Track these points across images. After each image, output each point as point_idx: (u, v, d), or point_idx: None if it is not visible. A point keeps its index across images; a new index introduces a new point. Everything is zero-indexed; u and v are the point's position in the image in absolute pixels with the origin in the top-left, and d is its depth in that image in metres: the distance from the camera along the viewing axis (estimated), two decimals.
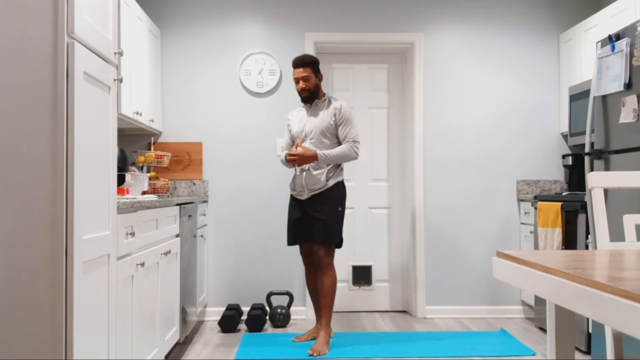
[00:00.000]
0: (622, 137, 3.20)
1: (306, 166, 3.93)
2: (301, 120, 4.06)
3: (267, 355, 3.71)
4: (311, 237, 3.98)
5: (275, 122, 4.81)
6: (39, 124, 1.92)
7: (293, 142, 4.11)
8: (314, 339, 4.02)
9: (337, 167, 4.00)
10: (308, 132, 3.99)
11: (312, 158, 3.88)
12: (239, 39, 4.85)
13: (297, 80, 4.02)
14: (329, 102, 4.03)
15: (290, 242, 4.09)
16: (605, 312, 1.02)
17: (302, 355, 3.72)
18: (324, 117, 3.98)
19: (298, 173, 4.00)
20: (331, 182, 3.94)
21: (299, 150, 3.90)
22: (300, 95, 4.03)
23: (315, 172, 3.93)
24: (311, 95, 4.01)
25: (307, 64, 4.01)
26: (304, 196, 3.97)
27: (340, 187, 3.99)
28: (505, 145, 4.92)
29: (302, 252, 4.13)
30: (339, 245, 4.04)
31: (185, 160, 4.79)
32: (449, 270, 4.88)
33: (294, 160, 3.89)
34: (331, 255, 3.96)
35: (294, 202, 4.06)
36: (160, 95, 4.75)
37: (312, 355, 3.70)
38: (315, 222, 3.92)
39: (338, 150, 3.92)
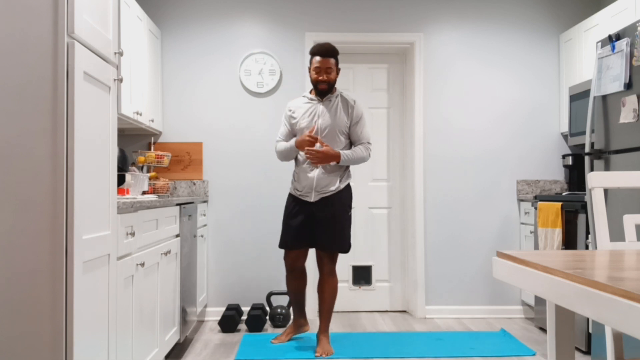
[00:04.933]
0: (622, 137, 3.20)
1: (318, 166, 3.68)
2: (311, 114, 3.75)
3: (267, 355, 3.71)
4: (315, 242, 3.74)
5: (276, 122, 4.80)
6: (39, 123, 1.92)
7: (294, 134, 3.82)
8: (292, 338, 4.03)
9: (348, 168, 3.80)
10: (321, 128, 3.70)
11: (334, 157, 3.62)
12: (239, 39, 4.85)
13: (318, 70, 3.69)
14: (342, 98, 3.78)
15: (290, 247, 3.76)
16: (605, 312, 1.02)
17: (302, 355, 3.71)
18: (340, 114, 3.71)
19: (309, 174, 3.70)
20: (343, 185, 3.74)
21: (322, 147, 3.60)
22: (317, 87, 3.73)
23: (329, 174, 3.69)
24: (329, 89, 3.74)
25: (334, 54, 3.72)
26: (312, 198, 3.70)
27: (349, 189, 3.79)
28: (505, 145, 4.92)
29: (288, 257, 3.82)
30: (348, 250, 3.79)
31: (185, 160, 4.79)
32: (449, 270, 4.88)
33: (315, 157, 3.59)
34: (336, 261, 3.78)
35: (297, 204, 3.76)
36: (161, 95, 4.75)
37: (321, 356, 3.65)
38: (325, 226, 3.69)
39: (357, 151, 3.70)
